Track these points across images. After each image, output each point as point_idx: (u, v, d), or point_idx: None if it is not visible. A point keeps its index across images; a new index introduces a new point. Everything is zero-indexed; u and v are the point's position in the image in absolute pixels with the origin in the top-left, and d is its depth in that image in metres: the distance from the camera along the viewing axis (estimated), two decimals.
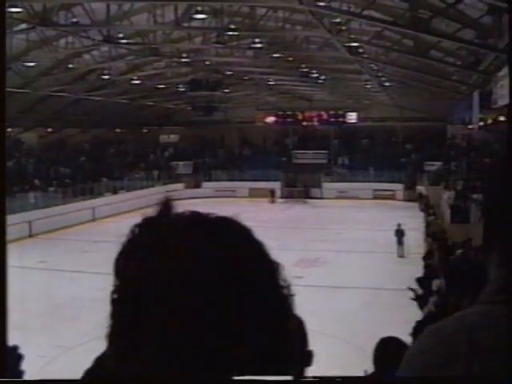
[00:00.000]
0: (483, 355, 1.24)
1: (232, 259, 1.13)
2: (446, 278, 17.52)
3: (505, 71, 21.07)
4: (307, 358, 2.86)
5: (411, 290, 18.91)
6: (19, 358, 1.82)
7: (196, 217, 1.20)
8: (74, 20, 26.90)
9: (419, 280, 20.04)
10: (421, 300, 18.16)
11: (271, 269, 1.19)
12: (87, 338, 15.92)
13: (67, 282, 25.26)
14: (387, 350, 4.66)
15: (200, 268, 1.11)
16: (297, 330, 2.86)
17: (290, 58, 36.47)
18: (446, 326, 1.34)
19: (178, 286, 1.10)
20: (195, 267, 1.11)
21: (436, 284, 17.90)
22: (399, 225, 31.51)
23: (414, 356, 1.36)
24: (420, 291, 18.87)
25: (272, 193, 57.38)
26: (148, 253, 1.13)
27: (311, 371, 2.88)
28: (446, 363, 1.27)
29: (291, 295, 1.19)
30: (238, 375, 1.12)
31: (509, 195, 1.37)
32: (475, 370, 1.24)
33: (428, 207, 39.31)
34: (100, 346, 1.16)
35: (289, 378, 1.21)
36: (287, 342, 1.18)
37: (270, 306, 1.15)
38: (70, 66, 36.22)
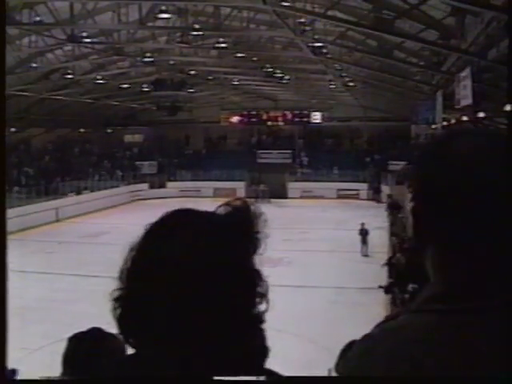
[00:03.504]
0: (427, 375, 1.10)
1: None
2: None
3: (467, 72, 21.30)
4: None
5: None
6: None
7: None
8: (38, 19, 26.65)
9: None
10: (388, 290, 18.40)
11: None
12: (52, 339, 15.81)
13: (32, 283, 24.96)
14: None
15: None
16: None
17: (255, 58, 36.47)
18: (378, 343, 1.17)
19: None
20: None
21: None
22: (363, 224, 31.72)
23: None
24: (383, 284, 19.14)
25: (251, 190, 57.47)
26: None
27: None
28: None
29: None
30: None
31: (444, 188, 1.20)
32: None
33: (392, 206, 39.48)
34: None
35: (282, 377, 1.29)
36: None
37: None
38: (34, 65, 35.84)
